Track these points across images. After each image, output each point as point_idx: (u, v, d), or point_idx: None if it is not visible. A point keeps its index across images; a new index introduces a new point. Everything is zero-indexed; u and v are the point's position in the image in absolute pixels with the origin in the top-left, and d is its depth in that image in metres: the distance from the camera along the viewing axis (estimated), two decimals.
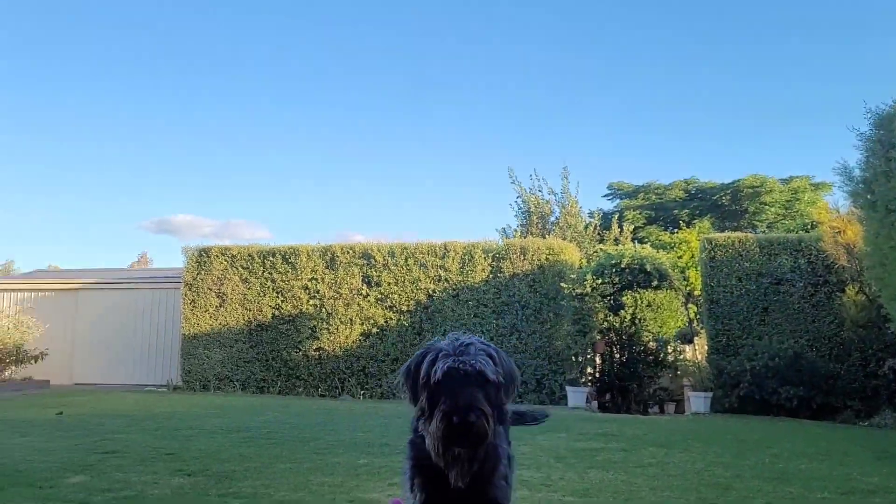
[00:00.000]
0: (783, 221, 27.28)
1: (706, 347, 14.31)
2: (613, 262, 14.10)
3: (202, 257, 16.49)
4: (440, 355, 2.15)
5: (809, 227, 22.71)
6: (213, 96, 40.39)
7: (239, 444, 7.29)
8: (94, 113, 43.20)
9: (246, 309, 16.15)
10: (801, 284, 13.31)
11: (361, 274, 15.77)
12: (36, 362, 16.31)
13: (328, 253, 16.05)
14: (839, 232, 12.40)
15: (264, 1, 35.50)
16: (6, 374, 16.14)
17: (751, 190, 27.56)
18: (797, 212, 27.34)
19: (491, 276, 15.15)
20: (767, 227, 27.17)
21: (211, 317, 16.25)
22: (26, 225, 66.05)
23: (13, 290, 18.47)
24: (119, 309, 17.93)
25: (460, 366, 2.09)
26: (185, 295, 16.45)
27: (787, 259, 13.44)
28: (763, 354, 12.64)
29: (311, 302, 15.86)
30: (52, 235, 68.94)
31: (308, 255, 16.09)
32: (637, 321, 14.90)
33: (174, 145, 46.69)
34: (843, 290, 12.67)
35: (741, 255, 13.72)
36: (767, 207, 27.79)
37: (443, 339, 2.26)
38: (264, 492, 4.90)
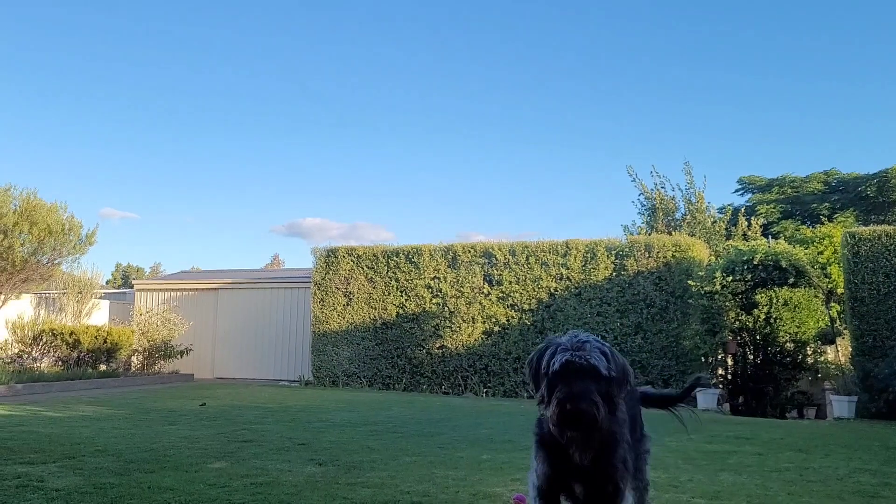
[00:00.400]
0: None
1: (850, 349, 13.37)
2: (745, 258, 13.44)
3: (330, 258, 17.13)
4: (559, 349, 2.43)
5: None
6: (338, 104, 41.89)
7: (366, 436, 7.52)
8: (229, 120, 45.82)
9: (371, 307, 16.62)
10: None
11: (483, 273, 15.86)
12: (182, 357, 17.50)
13: (450, 252, 16.25)
14: None
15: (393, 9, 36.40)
16: (156, 367, 17.40)
17: None
18: None
19: (614, 273, 14.84)
20: None
21: (339, 315, 16.84)
22: (172, 230, 70.95)
23: (160, 289, 19.88)
24: (255, 307, 18.92)
25: (576, 360, 2.36)
26: (315, 294, 17.14)
27: None
28: None
29: (434, 301, 16.11)
30: (195, 239, 73.74)
31: (430, 255, 16.36)
32: (772, 321, 14.16)
33: (304, 152, 48.74)
34: None
35: (889, 250, 12.73)
36: None
37: (563, 336, 2.53)
38: (390, 482, 5.03)
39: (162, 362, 17.51)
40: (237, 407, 10.74)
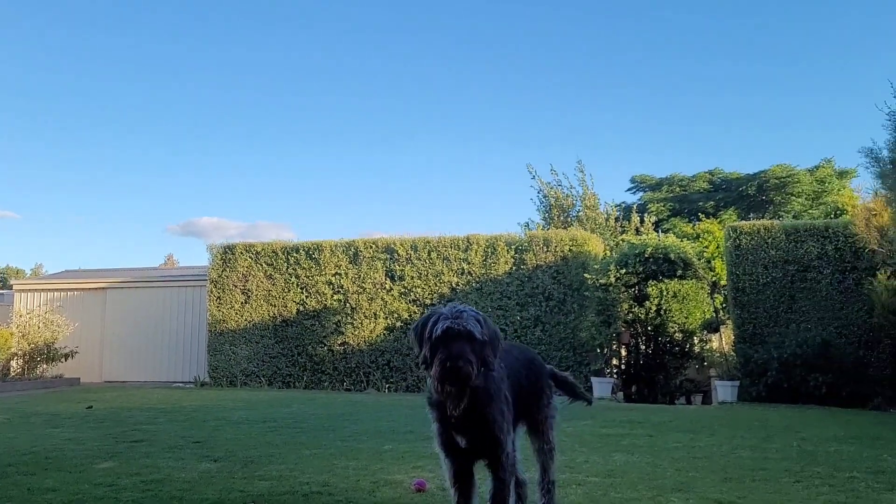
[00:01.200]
0: (810, 212, 26.90)
1: (732, 336, 14.16)
2: (637, 251, 13.99)
3: (227, 254, 16.66)
4: (441, 318, 2.78)
5: (834, 215, 22.37)
6: (235, 99, 40.77)
7: (265, 433, 7.35)
8: (120, 115, 43.79)
9: (271, 305, 16.27)
10: (829, 271, 13.12)
11: (385, 268, 15.82)
12: (66, 360, 16.58)
13: (351, 248, 16.12)
14: (874, 214, 12.17)
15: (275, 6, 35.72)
16: (38, 371, 16.42)
17: (777, 181, 27.20)
18: (824, 202, 26.94)
19: (514, 268, 15.12)
20: (793, 217, 26.82)
21: (237, 313, 16.40)
22: (54, 229, 67.12)
23: (42, 289, 18.78)
24: (146, 307, 18.15)
25: (455, 326, 2.72)
26: (211, 292, 16.62)
27: (813, 245, 13.25)
28: (791, 342, 12.49)
29: (336, 297, 15.95)
30: (81, 240, 70.03)
31: (331, 251, 16.17)
32: (662, 312, 14.77)
33: (200, 148, 47.17)
34: (874, 276, 12.45)
35: (767, 243, 13.55)
36: (794, 198, 27.41)
37: (444, 307, 2.88)
38: (289, 475, 4.94)
39: (44, 366, 16.53)
40: (127, 409, 10.27)
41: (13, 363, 16.41)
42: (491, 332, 2.82)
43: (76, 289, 18.62)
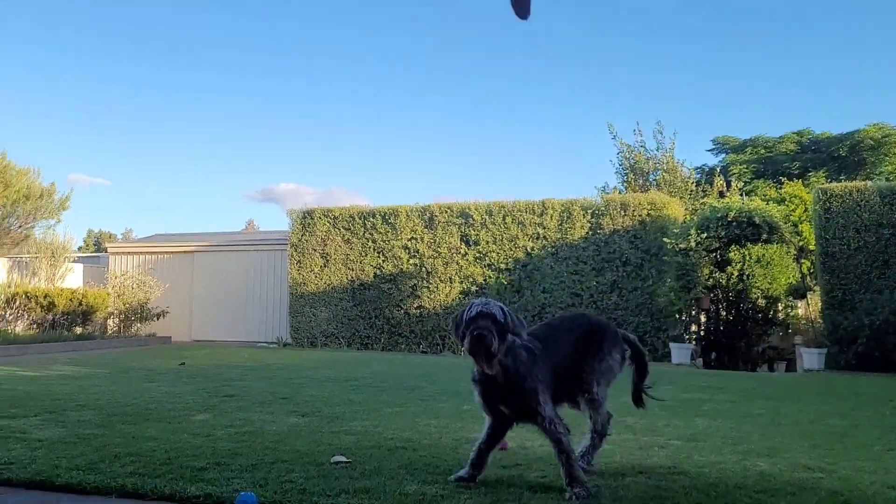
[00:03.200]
0: None
1: (820, 303, 13.67)
2: (719, 215, 13.61)
3: (306, 219, 17.04)
4: (473, 306, 3.50)
5: None
6: (311, 73, 41.26)
7: (347, 391, 7.58)
8: (203, 87, 44.98)
9: (349, 269, 16.61)
10: None
11: (460, 233, 15.90)
12: (158, 319, 17.39)
13: (427, 213, 16.24)
14: None
15: None
16: (132, 329, 17.30)
17: (872, 141, 25.85)
18: None
19: (590, 232, 14.95)
20: (887, 179, 25.48)
21: (316, 276, 16.82)
22: (144, 197, 69.92)
23: (135, 252, 19.67)
24: (231, 270, 18.80)
25: (482, 309, 3.45)
26: (292, 256, 17.08)
27: None
28: (883, 309, 11.99)
29: (411, 261, 16.15)
30: (168, 207, 72.78)
31: (407, 216, 16.34)
32: (745, 277, 14.37)
33: (278, 116, 48.06)
34: None
35: (859, 206, 12.96)
36: (890, 159, 26.03)
37: (478, 300, 3.57)
38: (374, 431, 5.09)
39: (138, 325, 17.40)
40: (217, 366, 10.74)
41: (110, 322, 17.34)
42: (511, 317, 3.50)
43: (165, 252, 19.42)
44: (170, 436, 4.79)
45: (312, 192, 75.15)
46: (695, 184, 21.13)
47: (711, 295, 14.71)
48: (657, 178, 21.20)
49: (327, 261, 16.80)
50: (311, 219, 17.03)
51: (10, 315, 14.99)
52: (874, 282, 12.72)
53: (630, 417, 5.84)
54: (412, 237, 16.25)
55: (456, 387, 8.10)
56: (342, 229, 16.79)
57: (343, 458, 4.04)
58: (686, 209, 17.42)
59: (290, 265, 17.15)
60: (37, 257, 17.73)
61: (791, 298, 15.15)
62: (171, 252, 19.36)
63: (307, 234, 16.99)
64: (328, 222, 16.91)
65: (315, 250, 16.89)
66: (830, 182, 24.40)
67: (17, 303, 14.89)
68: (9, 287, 15.36)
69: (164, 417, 5.59)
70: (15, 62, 44.82)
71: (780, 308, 14.91)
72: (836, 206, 13.10)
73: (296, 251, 17.06)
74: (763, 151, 28.61)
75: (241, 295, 18.61)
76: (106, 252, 21.11)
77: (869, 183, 13.89)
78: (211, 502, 3.30)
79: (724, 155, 29.65)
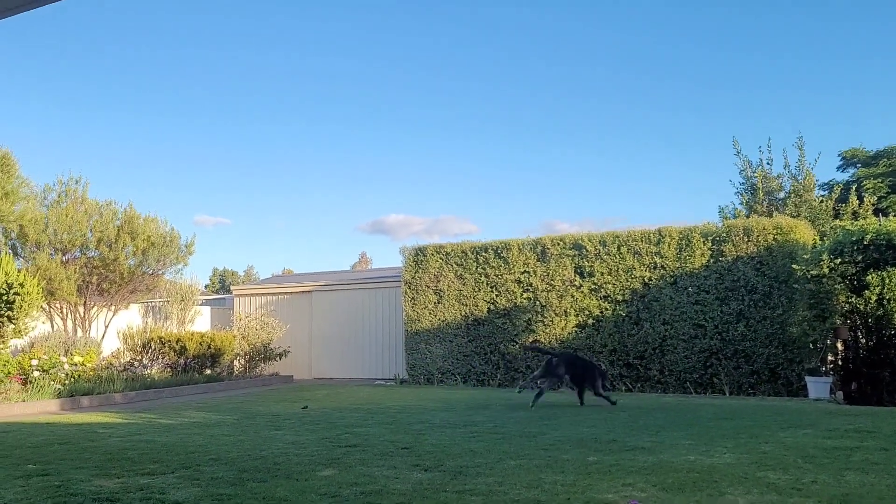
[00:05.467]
0: None
1: None
2: (854, 238, 12.70)
3: (419, 256, 17.23)
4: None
5: None
6: (415, 100, 42.13)
7: (467, 439, 7.49)
8: (309, 122, 46.79)
9: (462, 304, 16.62)
10: None
11: (573, 265, 15.61)
12: (280, 359, 18.00)
13: (539, 245, 16.06)
14: None
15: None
16: (257, 370, 17.97)
17: None
18: None
19: (711, 260, 14.32)
20: None
21: (430, 313, 16.93)
22: (262, 233, 73.19)
23: (257, 294, 20.50)
24: (347, 308, 19.26)
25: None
26: (406, 293, 17.28)
27: None
28: None
29: (525, 295, 15.98)
30: (284, 241, 75.86)
31: (519, 249, 16.22)
32: (885, 302, 13.32)
33: (385, 149, 49.31)
34: None
35: None
36: None
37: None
38: (498, 489, 4.97)
39: (262, 365, 18.06)
40: (338, 409, 10.93)
41: (236, 362, 18.08)
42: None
43: (286, 292, 20.13)
44: (298, 496, 4.84)
45: (421, 221, 76.36)
46: (830, 201, 19.78)
47: (848, 322, 13.72)
48: (788, 196, 20.06)
49: (441, 297, 16.88)
50: (424, 255, 17.20)
51: (146, 360, 15.90)
52: None
53: (772, 473, 5.46)
54: (525, 270, 16.09)
55: (578, 432, 7.86)
56: (454, 265, 16.86)
57: None
58: (816, 231, 16.41)
59: (404, 302, 17.36)
60: (168, 302, 18.78)
61: None
62: (291, 293, 20.05)
63: (420, 270, 17.16)
64: (440, 258, 17.03)
65: (428, 287, 17.03)
66: None
67: (153, 347, 15.78)
68: (144, 332, 16.31)
69: (292, 473, 5.68)
70: (129, 115, 48.16)
71: None
72: None
73: (409, 288, 17.26)
74: None
75: (358, 332, 19.01)
76: (231, 294, 22.11)
77: None
78: None
79: (853, 169, 27.85)
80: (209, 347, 16.36)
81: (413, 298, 17.17)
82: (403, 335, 17.43)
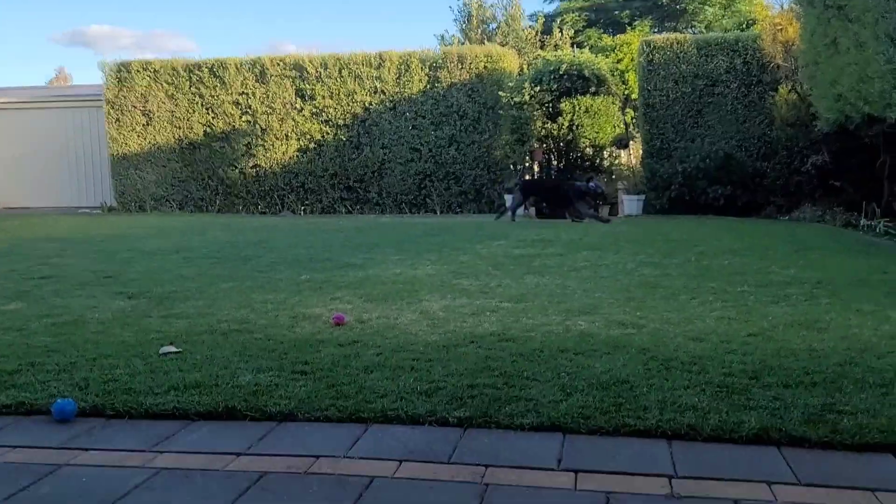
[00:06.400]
0: (721, 21, 26.82)
1: (640, 151, 14.54)
2: (552, 68, 13.83)
3: (122, 73, 15.55)
4: None
5: (746, 26, 22.41)
6: None
7: (180, 265, 7.27)
8: None
9: (175, 127, 15.54)
10: (736, 85, 13.37)
11: (294, 87, 15.18)
12: None
13: (258, 66, 15.29)
14: (780, 29, 12.27)
15: None
16: None
17: None
18: (736, 11, 26.81)
19: (428, 86, 14.77)
20: (706, 28, 26.72)
21: (139, 136, 15.63)
22: None
23: None
24: (42, 129, 16.99)
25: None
26: (109, 114, 15.68)
27: (723, 60, 13.37)
28: (695, 157, 12.93)
29: (244, 118, 15.34)
30: None
31: (237, 69, 15.32)
32: (575, 128, 14.92)
33: None
34: (776, 90, 12.78)
35: (679, 58, 13.58)
36: (707, 8, 27.15)
37: None
38: (207, 312, 4.94)
39: None
40: (32, 240, 9.90)
41: None
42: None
43: None
44: None
45: (130, 34, 68.14)
46: (535, 33, 21.09)
47: (544, 146, 15.22)
48: (499, 25, 20.98)
49: (150, 118, 15.57)
50: (128, 72, 15.54)
51: None
52: (688, 131, 13.61)
53: (465, 280, 6.07)
54: (243, 92, 15.33)
55: (294, 253, 7.99)
56: (165, 84, 15.50)
57: (173, 349, 3.90)
58: (524, 61, 17.52)
59: (107, 124, 15.75)
60: None
61: (615, 148, 16.01)
62: None
63: (125, 88, 15.55)
64: (148, 76, 15.52)
65: (135, 107, 15.57)
66: (655, 30, 25.33)
67: None
68: None
69: None
70: None
71: (606, 156, 15.73)
72: (658, 58, 13.65)
73: (113, 108, 15.64)
74: None
75: (56, 156, 16.98)
76: None
77: (688, 35, 14.53)
78: (24, 411, 3.10)
79: (557, 3, 29.72)
80: None
81: (118, 120, 15.64)
82: (108, 160, 15.99)
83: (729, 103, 13.42)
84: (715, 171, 12.66)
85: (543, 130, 14.86)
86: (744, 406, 2.89)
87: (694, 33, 21.95)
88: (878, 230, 9.77)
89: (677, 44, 13.64)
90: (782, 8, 12.94)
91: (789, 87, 12.49)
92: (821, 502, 2.19)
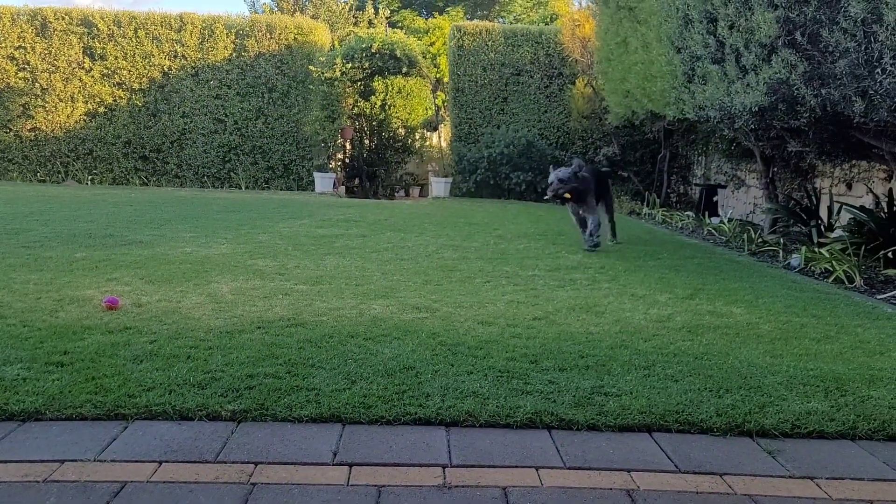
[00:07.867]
0: (529, 15, 28.02)
1: (450, 135, 14.82)
2: (364, 45, 13.67)
3: None
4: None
5: (550, 19, 23.56)
6: None
7: None
8: None
9: None
10: (539, 76, 13.98)
11: (82, 45, 13.82)
12: None
13: (38, 17, 13.75)
14: (578, 25, 12.96)
15: None
16: None
17: None
18: (543, 4, 28.12)
19: (235, 54, 14.05)
20: (514, 19, 27.78)
21: None
22: None
23: None
24: None
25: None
26: None
27: (528, 50, 13.92)
28: (500, 143, 13.38)
29: (21, 75, 13.75)
30: None
31: (12, 20, 13.68)
32: (387, 107, 14.91)
33: None
34: (573, 83, 13.52)
35: (487, 45, 13.95)
36: (517, 0, 28.22)
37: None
38: None
39: None
40: None
41: None
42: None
43: None
44: None
45: None
46: (350, 10, 20.78)
47: (356, 124, 15.07)
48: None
49: None
50: None
51: None
52: (495, 117, 14.06)
53: (262, 260, 5.81)
54: (20, 46, 13.73)
55: (72, 227, 7.27)
56: None
57: None
58: (337, 37, 17.19)
59: None
60: None
61: (426, 130, 16.22)
62: None
63: None
64: None
65: None
66: (468, 16, 25.92)
67: None
68: None
69: None
70: None
71: (417, 138, 15.91)
72: (468, 44, 13.94)
73: None
74: None
75: None
76: None
77: (497, 24, 14.97)
78: None
79: None
80: None
81: None
82: None
83: (532, 93, 14.02)
84: (517, 158, 13.19)
85: (356, 108, 14.71)
86: (521, 391, 2.96)
87: (503, 23, 22.67)
88: (656, 219, 10.66)
89: (486, 32, 14.01)
90: (581, 5, 13.70)
91: (585, 82, 13.25)
92: (583, 485, 2.27)
